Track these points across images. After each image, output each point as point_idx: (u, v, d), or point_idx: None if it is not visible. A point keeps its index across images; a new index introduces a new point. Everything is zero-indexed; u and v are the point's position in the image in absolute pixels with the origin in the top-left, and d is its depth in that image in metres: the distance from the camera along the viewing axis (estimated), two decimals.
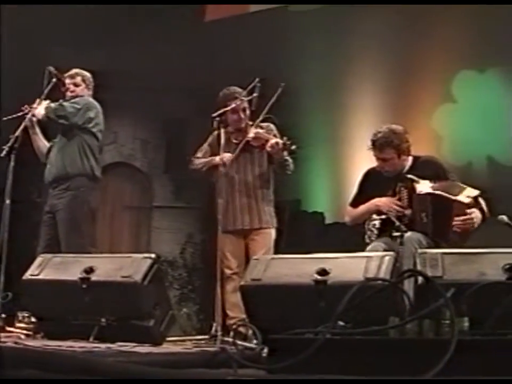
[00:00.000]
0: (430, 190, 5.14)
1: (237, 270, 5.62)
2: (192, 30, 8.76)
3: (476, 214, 4.96)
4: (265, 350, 2.53)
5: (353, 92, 8.55)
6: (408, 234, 4.95)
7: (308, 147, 8.09)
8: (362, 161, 7.33)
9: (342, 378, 2.07)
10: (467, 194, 5.01)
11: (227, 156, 5.59)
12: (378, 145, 5.24)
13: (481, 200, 5.05)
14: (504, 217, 5.01)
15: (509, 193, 7.20)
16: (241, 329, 5.20)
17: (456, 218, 4.97)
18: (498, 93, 8.10)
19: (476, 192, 5.03)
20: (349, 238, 5.66)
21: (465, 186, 5.09)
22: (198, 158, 5.92)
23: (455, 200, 4.99)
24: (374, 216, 5.28)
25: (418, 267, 3.67)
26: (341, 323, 3.00)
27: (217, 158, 5.61)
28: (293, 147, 5.55)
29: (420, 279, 3.51)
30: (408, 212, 5.16)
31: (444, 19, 8.08)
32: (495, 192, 6.83)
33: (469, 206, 4.96)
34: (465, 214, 4.94)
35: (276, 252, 5.52)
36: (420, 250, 3.95)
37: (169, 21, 8.66)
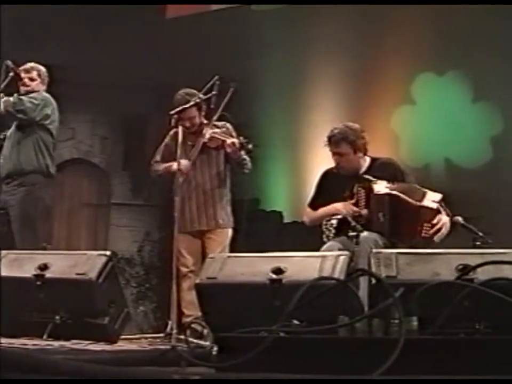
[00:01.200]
0: (388, 191, 5.18)
1: (193, 268, 5.61)
2: (153, 26, 8.72)
3: (445, 220, 5.02)
4: (215, 348, 2.52)
5: (314, 92, 8.57)
6: (364, 234, 4.98)
7: (267, 146, 8.12)
8: (321, 161, 7.34)
9: (290, 377, 2.07)
10: (431, 198, 5.06)
11: (184, 163, 5.57)
12: (334, 140, 5.29)
13: (443, 205, 5.12)
14: (460, 219, 5.07)
15: (466, 195, 7.27)
16: (197, 327, 5.19)
17: (426, 225, 5.00)
18: (457, 96, 8.18)
19: (439, 196, 5.09)
20: (307, 237, 5.68)
21: (425, 189, 5.14)
22: (157, 162, 5.91)
23: (422, 206, 5.03)
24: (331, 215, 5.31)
25: (373, 267, 3.69)
26: (296, 322, 3.01)
27: (174, 166, 5.60)
28: (250, 146, 5.55)
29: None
30: (364, 212, 5.19)
31: (405, 21, 8.13)
32: (453, 194, 6.91)
33: (437, 211, 5.01)
34: (434, 219, 4.99)
35: (234, 251, 5.51)
36: (374, 250, 3.97)
37: (130, 17, 8.60)
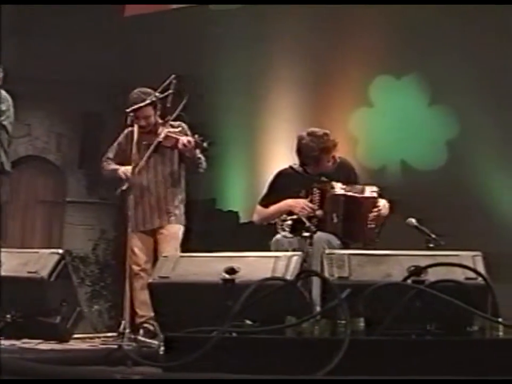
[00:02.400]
0: (343, 192, 5.23)
1: (145, 266, 5.58)
2: (111, 24, 8.66)
3: (383, 202, 5.16)
4: (162, 348, 2.51)
5: (271, 92, 8.57)
6: (318, 234, 5.01)
7: (224, 146, 8.11)
8: (278, 161, 7.37)
9: (236, 377, 2.06)
10: (370, 190, 5.19)
11: (129, 170, 5.55)
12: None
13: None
14: (413, 220, 5.13)
15: (421, 197, 7.34)
16: (150, 327, 5.16)
17: (369, 215, 5.13)
18: (414, 99, 8.24)
19: (375, 188, 5.23)
20: (264, 237, 5.68)
21: (363, 186, 5.27)
22: (108, 159, 5.89)
23: (363, 197, 5.15)
24: (286, 216, 5.32)
25: (326, 267, 3.70)
26: (248, 322, 3.00)
27: (121, 170, 5.60)
28: (205, 144, 5.53)
29: None
30: (319, 212, 5.22)
31: (364, 23, 8.18)
32: (408, 195, 6.97)
33: (376, 199, 5.12)
34: (376, 207, 5.12)
35: (190, 251, 5.49)
36: (327, 251, 3.98)
37: (88, 14, 8.54)
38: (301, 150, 5.37)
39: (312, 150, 5.29)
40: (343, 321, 2.41)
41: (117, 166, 5.73)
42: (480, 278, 3.40)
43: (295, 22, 8.38)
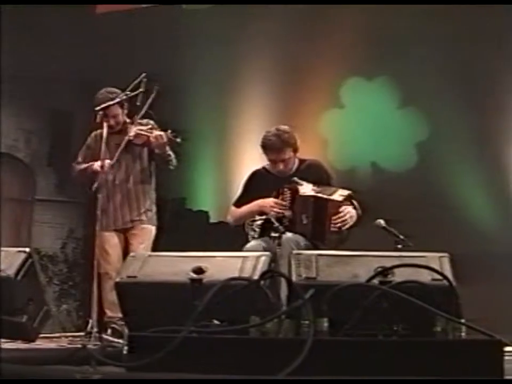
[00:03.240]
0: (313, 193, 5.25)
1: (116, 266, 5.56)
2: (82, 21, 8.61)
3: (348, 210, 5.16)
4: (126, 348, 2.49)
5: (242, 91, 8.56)
6: (287, 235, 5.03)
7: (195, 145, 8.09)
8: (249, 161, 7.37)
9: (199, 377, 2.05)
10: (340, 193, 5.20)
11: (106, 163, 5.54)
12: (277, 147, 5.35)
13: (353, 201, 5.24)
14: (381, 221, 5.16)
15: (390, 199, 7.37)
16: (118, 327, 5.15)
17: (333, 218, 5.14)
18: (385, 101, 8.26)
19: (347, 192, 5.22)
20: (233, 237, 5.68)
21: (337, 188, 5.26)
22: (78, 163, 5.87)
23: (328, 199, 5.17)
24: (257, 216, 5.34)
25: (293, 268, 3.69)
26: (216, 322, 2.99)
27: (95, 165, 5.58)
28: (178, 140, 5.53)
29: (294, 279, 3.54)
30: (288, 213, 5.23)
31: (336, 24, 8.20)
32: (378, 197, 7.00)
33: (341, 203, 5.14)
34: (339, 212, 5.13)
35: (159, 250, 5.47)
36: (295, 252, 3.98)
37: (59, 11, 8.47)
38: (264, 144, 5.43)
39: (273, 143, 5.34)
40: (306, 322, 2.41)
41: (91, 163, 5.72)
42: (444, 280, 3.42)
43: (268, 22, 8.38)
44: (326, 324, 2.60)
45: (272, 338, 2.48)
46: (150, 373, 2.10)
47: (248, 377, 1.95)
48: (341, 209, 5.19)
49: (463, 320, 2.96)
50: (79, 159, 5.92)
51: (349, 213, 5.22)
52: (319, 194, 5.25)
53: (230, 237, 5.86)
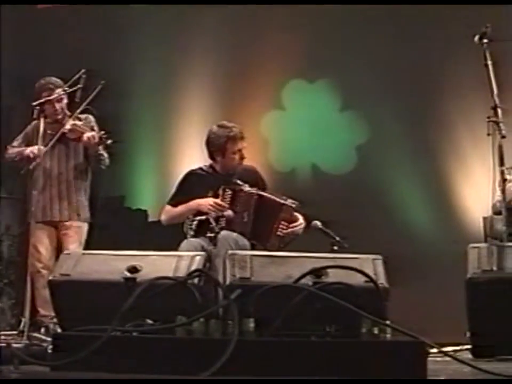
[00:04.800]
0: (256, 191, 5.28)
1: (47, 263, 5.50)
2: (23, 15, 8.49)
3: (301, 220, 5.20)
4: (50, 347, 2.47)
5: (185, 90, 8.52)
6: (224, 233, 5.03)
7: (135, 143, 8.05)
8: (190, 160, 7.35)
9: (123, 377, 2.04)
10: (290, 201, 5.24)
11: (39, 148, 5.50)
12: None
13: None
14: (318, 223, 5.21)
15: (329, 201, 7.42)
16: (51, 325, 5.09)
17: (283, 222, 5.16)
18: (326, 103, 8.31)
19: (296, 202, 5.27)
20: (172, 236, 5.65)
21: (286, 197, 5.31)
22: (12, 147, 5.81)
23: (283, 204, 5.19)
24: (191, 216, 5.33)
25: (228, 268, 3.70)
26: (149, 321, 2.98)
27: (28, 150, 5.55)
28: (109, 142, 5.51)
29: (229, 279, 3.56)
30: (227, 213, 5.23)
31: (278, 26, 8.22)
32: (317, 199, 7.04)
33: (295, 210, 5.17)
34: (292, 217, 5.16)
35: (96, 248, 5.42)
36: (230, 252, 3.98)
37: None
38: (209, 140, 5.46)
39: (220, 138, 5.37)
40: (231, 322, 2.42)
41: (23, 147, 5.69)
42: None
43: (213, 22, 8.37)
44: (252, 324, 2.61)
45: (197, 338, 2.48)
46: (73, 372, 2.08)
47: (172, 377, 1.95)
48: (293, 217, 5.26)
49: (388, 322, 3.00)
50: (14, 143, 5.87)
51: (301, 224, 5.27)
52: (263, 193, 5.30)
53: (169, 236, 5.82)
